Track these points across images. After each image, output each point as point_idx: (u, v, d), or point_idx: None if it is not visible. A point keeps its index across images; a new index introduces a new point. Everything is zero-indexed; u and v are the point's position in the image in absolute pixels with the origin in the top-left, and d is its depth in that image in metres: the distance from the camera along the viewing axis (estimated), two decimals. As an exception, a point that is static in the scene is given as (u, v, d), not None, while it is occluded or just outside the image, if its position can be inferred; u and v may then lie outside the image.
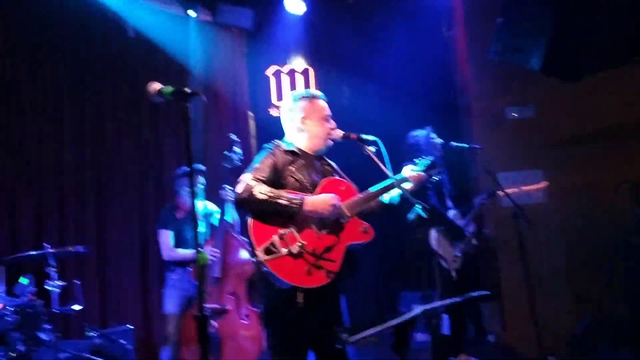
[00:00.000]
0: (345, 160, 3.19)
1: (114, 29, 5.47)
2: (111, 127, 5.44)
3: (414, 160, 3.15)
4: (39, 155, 4.99)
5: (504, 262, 5.43)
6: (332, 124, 3.03)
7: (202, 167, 4.58)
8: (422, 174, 3.05)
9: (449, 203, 4.63)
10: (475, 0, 5.84)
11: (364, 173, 2.98)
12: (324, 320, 2.79)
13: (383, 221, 3.41)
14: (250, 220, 2.75)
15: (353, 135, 2.98)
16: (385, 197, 3.05)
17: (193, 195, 2.31)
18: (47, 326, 3.68)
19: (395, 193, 3.05)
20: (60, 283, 3.85)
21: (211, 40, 6.07)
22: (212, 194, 4.67)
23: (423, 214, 2.78)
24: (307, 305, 2.71)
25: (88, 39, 5.39)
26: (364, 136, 2.97)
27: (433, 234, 4.33)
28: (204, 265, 1.96)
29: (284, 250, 2.69)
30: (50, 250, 3.86)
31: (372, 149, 2.94)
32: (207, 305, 4.18)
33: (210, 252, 4.26)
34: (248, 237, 2.75)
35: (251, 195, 2.69)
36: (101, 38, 5.48)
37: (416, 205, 2.80)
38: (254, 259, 2.71)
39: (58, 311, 3.81)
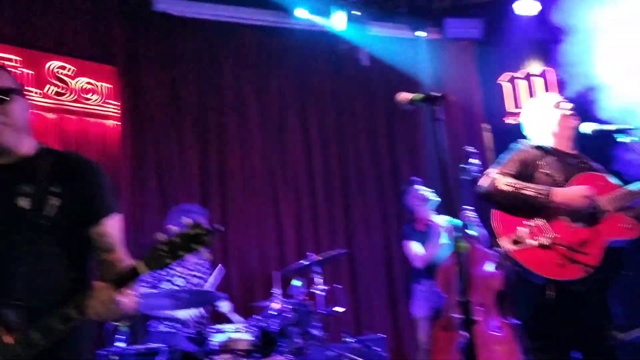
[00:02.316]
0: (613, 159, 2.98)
1: (347, 59, 5.99)
2: (352, 148, 5.95)
3: None
4: (295, 179, 5.69)
5: None
6: (576, 118, 2.89)
7: (418, 179, 4.67)
8: None
9: None
10: None
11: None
12: (589, 320, 2.62)
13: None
14: (494, 211, 2.72)
15: (606, 126, 2.79)
16: None
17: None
18: (317, 324, 4.03)
19: None
20: (324, 287, 4.24)
21: (441, 55, 6.22)
22: (452, 207, 4.72)
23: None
24: (568, 303, 2.59)
25: (327, 71, 6.01)
26: (619, 126, 2.76)
27: None
28: (463, 254, 2.02)
29: (533, 242, 2.62)
30: (317, 258, 4.29)
31: (629, 139, 2.71)
32: (455, 316, 4.22)
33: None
34: (491, 229, 2.72)
35: (495, 187, 2.69)
36: (338, 68, 6.04)
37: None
38: (498, 250, 2.68)
39: (325, 312, 4.18)
